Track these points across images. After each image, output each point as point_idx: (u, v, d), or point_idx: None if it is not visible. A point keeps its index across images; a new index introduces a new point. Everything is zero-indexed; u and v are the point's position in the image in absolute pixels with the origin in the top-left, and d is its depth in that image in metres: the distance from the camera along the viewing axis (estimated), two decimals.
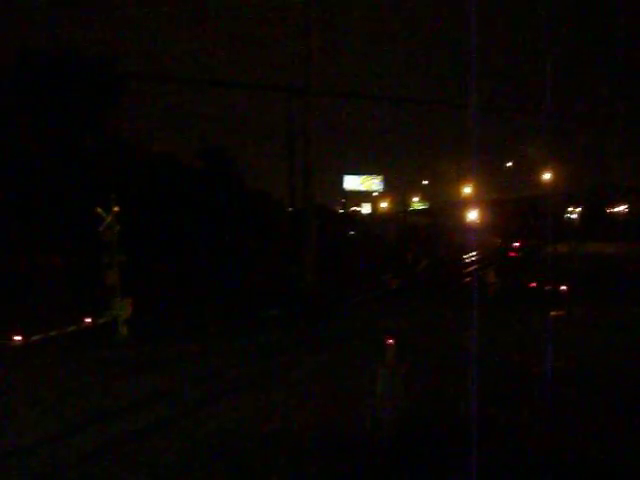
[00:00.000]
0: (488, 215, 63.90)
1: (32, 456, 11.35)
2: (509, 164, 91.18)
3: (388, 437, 10.92)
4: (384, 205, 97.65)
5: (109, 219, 22.82)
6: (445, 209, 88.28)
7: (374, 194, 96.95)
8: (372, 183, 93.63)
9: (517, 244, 62.58)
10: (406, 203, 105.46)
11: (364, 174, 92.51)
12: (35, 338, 21.49)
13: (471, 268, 46.84)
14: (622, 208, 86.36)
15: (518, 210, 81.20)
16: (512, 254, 55.83)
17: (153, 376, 17.29)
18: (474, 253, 55.18)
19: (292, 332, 24.32)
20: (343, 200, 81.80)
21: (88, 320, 23.04)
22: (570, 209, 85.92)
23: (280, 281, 33.91)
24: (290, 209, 41.60)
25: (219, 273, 32.45)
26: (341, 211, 75.88)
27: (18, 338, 21.25)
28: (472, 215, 56.26)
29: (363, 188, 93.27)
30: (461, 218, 64.74)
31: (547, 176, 75.07)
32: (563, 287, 27.90)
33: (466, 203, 66.68)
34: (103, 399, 15.04)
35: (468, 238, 56.44)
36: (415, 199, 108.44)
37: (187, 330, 24.80)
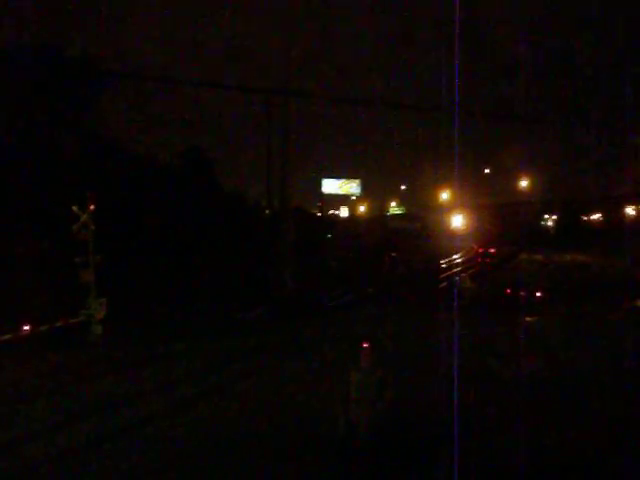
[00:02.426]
0: (470, 221, 64.31)
1: (10, 452, 11.22)
2: (487, 170, 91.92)
3: (362, 441, 10.90)
4: (362, 209, 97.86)
5: (84, 217, 22.62)
6: (425, 214, 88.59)
7: (352, 198, 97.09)
8: (350, 187, 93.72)
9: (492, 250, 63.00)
10: (384, 208, 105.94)
11: (342, 178, 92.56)
12: (6, 337, 21.20)
13: (448, 273, 47.05)
14: (597, 216, 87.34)
15: (497, 216, 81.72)
16: (487, 260, 56.25)
17: (125, 378, 17.14)
18: (452, 258, 55.46)
19: (268, 335, 24.26)
20: (320, 204, 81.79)
21: (62, 320, 22.80)
22: (546, 216, 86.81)
23: (258, 283, 33.81)
24: (267, 211, 41.58)
25: (196, 274, 32.27)
26: (319, 214, 75.87)
27: None
28: (456, 220, 56.66)
29: (341, 192, 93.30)
30: (442, 223, 65.12)
31: (524, 183, 75.83)
32: (538, 293, 28.18)
33: (449, 208, 67.10)
34: (72, 400, 14.87)
35: (446, 243, 56.73)
36: (393, 204, 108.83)
37: (162, 332, 24.62)
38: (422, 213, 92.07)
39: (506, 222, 77.23)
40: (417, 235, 77.20)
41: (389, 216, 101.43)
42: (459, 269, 49.23)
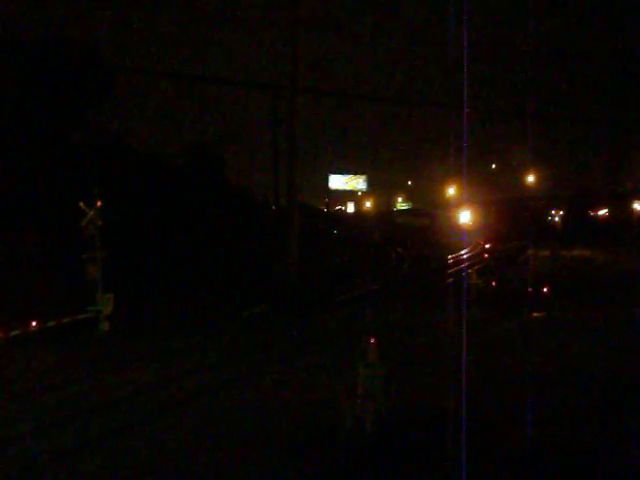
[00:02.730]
0: (478, 216, 64.12)
1: (13, 449, 11.26)
2: (493, 166, 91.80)
3: (369, 436, 10.93)
4: (368, 204, 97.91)
5: (92, 213, 22.69)
6: (432, 209, 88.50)
7: (358, 193, 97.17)
8: (357, 182, 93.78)
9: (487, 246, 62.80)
10: (391, 203, 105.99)
11: (349, 173, 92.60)
12: (15, 333, 21.29)
13: (454, 269, 47.00)
14: (604, 212, 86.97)
15: (504, 212, 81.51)
16: (494, 255, 56.15)
17: (131, 374, 17.18)
18: (459, 254, 55.38)
19: (274, 330, 24.27)
20: (326, 199, 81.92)
21: (69, 315, 22.89)
22: (552, 212, 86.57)
23: (264, 279, 33.83)
24: (274, 207, 41.64)
25: (203, 270, 32.32)
26: (325, 210, 75.95)
27: None
28: (464, 216, 56.48)
29: (348, 187, 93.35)
30: (450, 219, 65.02)
31: (531, 179, 75.69)
32: (544, 289, 28.13)
33: (456, 204, 66.94)
34: (82, 395, 14.93)
35: (454, 239, 56.62)
36: (399, 199, 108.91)
37: (169, 327, 24.66)
38: (429, 209, 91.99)
39: (513, 218, 77.06)
40: (425, 231, 77.15)
41: (396, 212, 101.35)
42: (466, 265, 49.17)
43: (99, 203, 22.73)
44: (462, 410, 10.87)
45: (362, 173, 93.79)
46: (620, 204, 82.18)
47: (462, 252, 56.35)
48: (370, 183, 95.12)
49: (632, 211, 76.87)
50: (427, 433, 11.42)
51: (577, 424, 11.95)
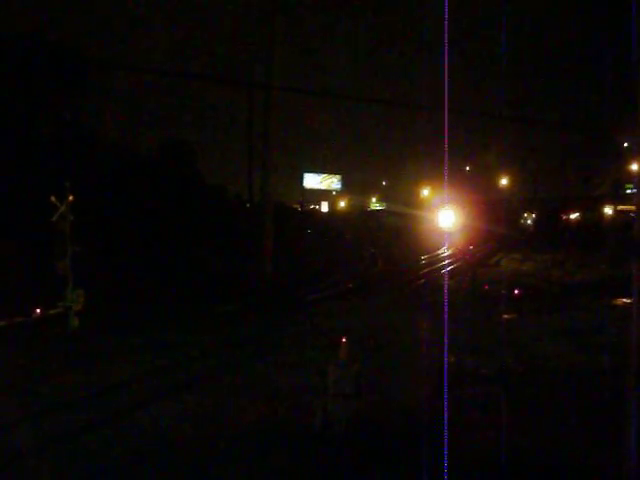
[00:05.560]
0: (457, 218, 64.02)
1: None
2: (467, 168, 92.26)
3: (338, 434, 10.92)
4: (342, 204, 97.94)
5: (63, 208, 22.40)
6: (410, 210, 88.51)
7: (333, 193, 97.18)
8: (331, 182, 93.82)
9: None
10: (365, 203, 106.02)
11: (323, 173, 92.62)
12: None
13: (427, 269, 47.22)
14: (575, 216, 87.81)
15: (479, 214, 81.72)
16: (467, 257, 56.46)
17: (100, 370, 16.99)
18: (432, 254, 55.63)
19: (247, 328, 24.19)
20: (301, 198, 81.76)
21: (38, 311, 22.58)
22: (525, 214, 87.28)
23: (238, 276, 33.67)
24: (248, 205, 41.51)
25: (176, 266, 32.07)
26: (299, 209, 75.72)
27: None
28: (443, 217, 56.37)
29: (322, 187, 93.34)
30: (428, 220, 64.96)
31: (504, 181, 76.23)
32: (516, 291, 28.38)
33: (436, 204, 66.80)
34: (48, 392, 14.74)
35: (430, 239, 56.71)
36: (373, 199, 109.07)
37: (139, 324, 24.40)
38: (404, 209, 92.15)
39: (487, 219, 77.55)
40: (400, 231, 77.29)
41: (369, 211, 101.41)
42: (439, 265, 49.43)
43: (70, 197, 22.43)
44: (432, 411, 10.91)
45: (337, 172, 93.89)
46: (592, 208, 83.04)
47: (436, 253, 56.64)
48: (344, 183, 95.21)
49: (603, 215, 77.60)
50: (396, 434, 11.44)
51: (547, 426, 12.07)
